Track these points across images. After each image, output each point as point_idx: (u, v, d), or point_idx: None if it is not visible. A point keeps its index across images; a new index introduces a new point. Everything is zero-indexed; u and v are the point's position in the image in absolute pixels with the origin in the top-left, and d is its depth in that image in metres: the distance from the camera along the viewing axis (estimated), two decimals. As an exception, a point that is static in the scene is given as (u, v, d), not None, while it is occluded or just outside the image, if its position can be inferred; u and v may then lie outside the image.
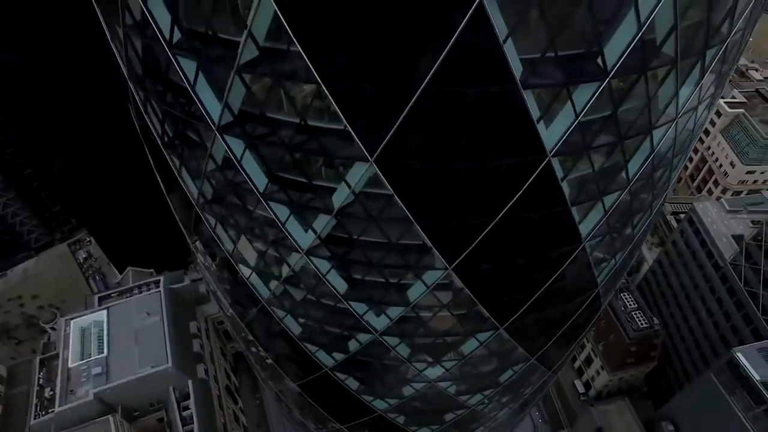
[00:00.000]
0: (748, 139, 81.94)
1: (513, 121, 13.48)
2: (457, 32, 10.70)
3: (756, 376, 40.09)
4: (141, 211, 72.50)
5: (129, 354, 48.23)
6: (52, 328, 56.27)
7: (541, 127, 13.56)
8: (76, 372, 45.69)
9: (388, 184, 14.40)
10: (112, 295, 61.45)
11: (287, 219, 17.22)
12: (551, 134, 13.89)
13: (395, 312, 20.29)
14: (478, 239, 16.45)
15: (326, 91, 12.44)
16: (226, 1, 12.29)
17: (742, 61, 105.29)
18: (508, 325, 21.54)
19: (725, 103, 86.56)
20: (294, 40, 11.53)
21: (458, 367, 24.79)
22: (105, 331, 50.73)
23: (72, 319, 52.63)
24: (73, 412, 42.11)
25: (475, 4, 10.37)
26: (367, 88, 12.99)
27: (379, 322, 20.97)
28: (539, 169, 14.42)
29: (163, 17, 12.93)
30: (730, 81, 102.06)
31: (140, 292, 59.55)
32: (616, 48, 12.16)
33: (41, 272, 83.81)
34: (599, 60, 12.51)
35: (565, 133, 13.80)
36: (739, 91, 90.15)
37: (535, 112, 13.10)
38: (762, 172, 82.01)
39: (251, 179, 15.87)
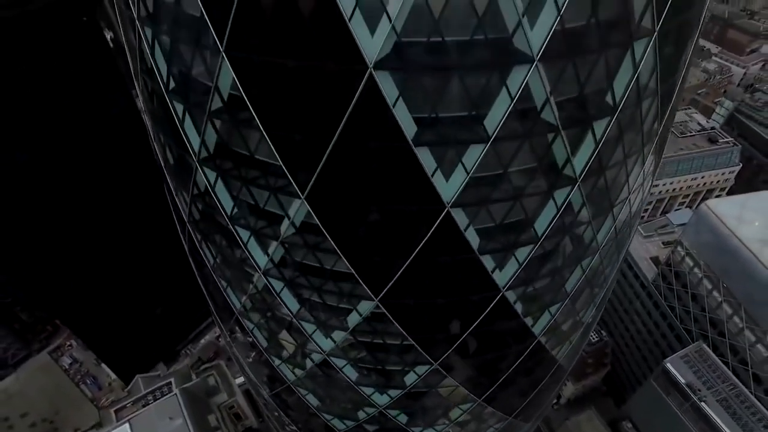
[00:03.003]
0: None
1: (410, 174, 15.64)
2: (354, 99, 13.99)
3: (682, 380, 52.18)
4: (131, 309, 74.41)
5: (163, 462, 52.37)
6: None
7: (437, 179, 15.78)
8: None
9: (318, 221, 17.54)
10: (127, 405, 64.16)
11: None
12: (450, 187, 15.97)
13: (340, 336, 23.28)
14: (397, 276, 18.50)
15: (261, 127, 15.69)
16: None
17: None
18: (441, 362, 23.26)
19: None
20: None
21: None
22: (133, 445, 54.26)
23: (95, 439, 55.55)
24: None
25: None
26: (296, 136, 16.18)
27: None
28: (440, 218, 16.57)
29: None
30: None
31: (154, 398, 62.84)
32: (496, 116, 14.76)
33: (25, 388, 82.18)
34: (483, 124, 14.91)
35: (459, 187, 15.95)
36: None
37: (430, 166, 15.45)
38: (664, 185, 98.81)
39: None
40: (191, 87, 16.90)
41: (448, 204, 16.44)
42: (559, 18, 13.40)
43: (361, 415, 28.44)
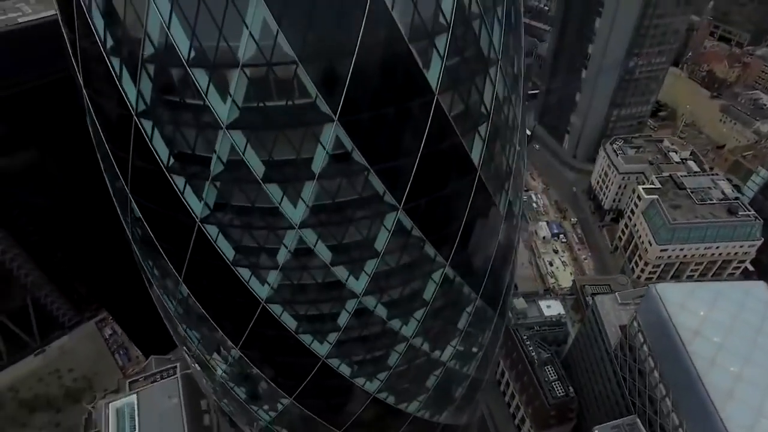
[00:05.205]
0: (660, 222, 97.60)
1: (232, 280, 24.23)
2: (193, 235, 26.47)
3: (606, 447, 55.54)
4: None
5: (155, 432, 64.32)
6: (93, 407, 72.65)
7: (253, 283, 24.07)
8: (115, 446, 61.77)
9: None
10: (139, 379, 77.13)
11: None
12: (264, 289, 24.07)
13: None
14: (245, 335, 26.60)
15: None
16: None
17: (666, 143, 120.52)
18: (295, 397, 31.15)
19: (643, 189, 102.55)
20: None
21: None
22: (136, 413, 66.98)
23: (110, 402, 68.97)
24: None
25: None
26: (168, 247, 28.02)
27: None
28: (259, 309, 24.96)
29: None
30: (651, 164, 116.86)
31: (161, 378, 75.25)
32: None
33: (75, 348, 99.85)
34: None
35: (272, 287, 24.32)
36: (656, 177, 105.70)
37: (245, 275, 24.07)
38: (673, 250, 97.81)
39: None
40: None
41: (263, 300, 25.03)
42: (309, 208, 21.50)
43: (256, 426, 37.51)
